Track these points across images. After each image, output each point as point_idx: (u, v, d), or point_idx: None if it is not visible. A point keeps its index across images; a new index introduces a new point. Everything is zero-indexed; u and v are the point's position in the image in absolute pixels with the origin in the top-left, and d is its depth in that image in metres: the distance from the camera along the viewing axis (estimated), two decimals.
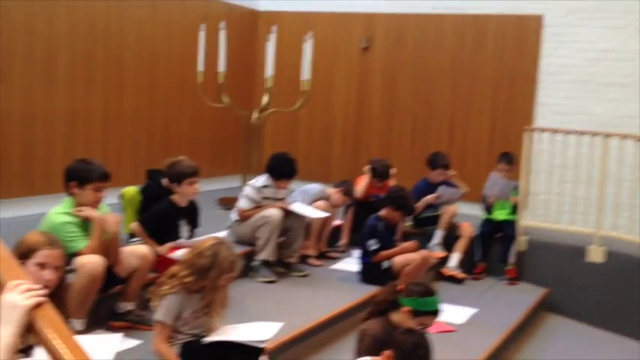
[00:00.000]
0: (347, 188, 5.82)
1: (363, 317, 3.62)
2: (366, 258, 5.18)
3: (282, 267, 5.14)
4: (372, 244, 5.10)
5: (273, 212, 4.93)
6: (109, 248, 3.56)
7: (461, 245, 6.12)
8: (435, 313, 3.44)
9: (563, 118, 7.09)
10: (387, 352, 2.96)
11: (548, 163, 6.57)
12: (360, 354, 3.38)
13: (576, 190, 6.47)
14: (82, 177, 3.57)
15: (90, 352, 2.71)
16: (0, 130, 5.32)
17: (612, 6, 7.07)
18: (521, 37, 7.47)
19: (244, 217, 5.07)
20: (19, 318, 1.53)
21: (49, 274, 2.69)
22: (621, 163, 6.09)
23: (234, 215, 5.20)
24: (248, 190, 5.17)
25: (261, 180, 5.21)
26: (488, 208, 6.33)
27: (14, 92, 5.42)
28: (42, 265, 2.70)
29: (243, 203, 5.13)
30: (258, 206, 5.10)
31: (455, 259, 6.05)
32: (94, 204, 3.61)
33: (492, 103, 7.61)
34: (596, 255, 6.00)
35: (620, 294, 5.91)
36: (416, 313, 3.37)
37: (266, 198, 5.15)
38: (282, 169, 5.16)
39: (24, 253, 2.71)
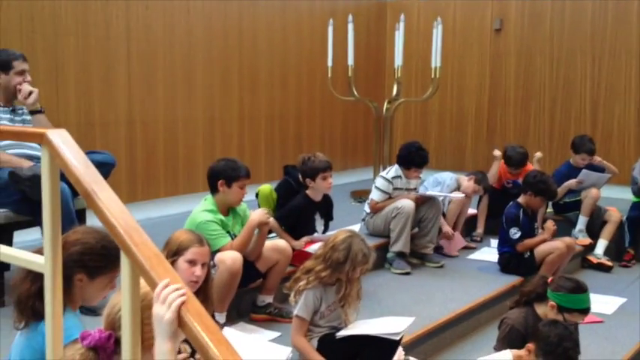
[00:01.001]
0: (480, 177, 5.68)
1: (509, 305, 3.57)
2: (505, 247, 5.03)
3: (417, 258, 5.13)
4: (515, 233, 4.94)
5: (406, 203, 4.92)
6: (256, 243, 3.73)
7: (608, 231, 5.78)
8: (583, 311, 3.31)
9: None
10: (530, 345, 2.90)
11: None
12: (499, 341, 3.34)
13: None
14: (229, 175, 3.73)
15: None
16: (147, 136, 5.71)
17: None
18: None
19: (377, 209, 5.10)
20: (170, 331, 1.56)
21: (199, 270, 2.87)
22: None
23: (367, 208, 5.24)
24: (379, 182, 5.20)
25: (392, 171, 5.21)
26: (638, 191, 5.93)
27: (158, 100, 5.79)
28: (192, 262, 2.88)
29: (374, 195, 5.16)
30: (390, 197, 5.11)
31: (601, 246, 5.73)
32: (239, 201, 3.79)
33: (638, 79, 7.10)
34: None
35: None
36: (562, 309, 3.28)
37: (397, 189, 5.15)
38: (412, 158, 5.13)
39: (174, 251, 2.91)
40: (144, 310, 1.68)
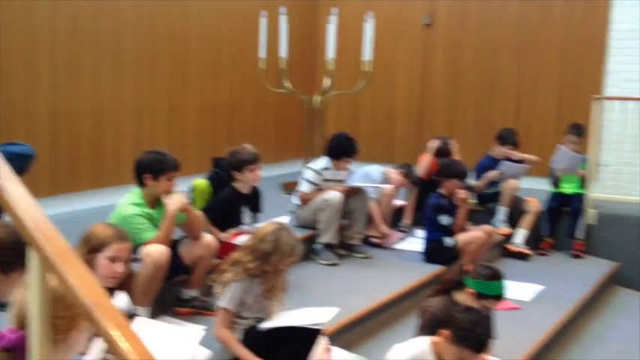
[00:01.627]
0: (407, 170, 5.82)
1: (428, 294, 3.68)
2: (432, 235, 5.17)
3: (345, 249, 5.21)
4: (444, 220, 5.09)
5: (334, 195, 5.00)
6: (189, 227, 3.76)
7: (527, 221, 6.03)
8: (499, 297, 3.46)
9: (635, 85, 6.82)
10: (445, 331, 3.00)
11: (618, 133, 6.38)
12: (420, 329, 3.45)
13: None
14: (156, 168, 3.66)
15: (169, 344, 2.85)
16: (71, 127, 5.60)
17: None
18: (590, 3, 7.21)
19: (305, 200, 5.16)
20: None
21: (120, 267, 2.85)
22: None
23: (295, 199, 5.29)
24: (308, 173, 5.25)
25: (321, 162, 5.28)
26: (556, 182, 6.21)
27: (83, 90, 5.68)
28: (113, 259, 2.85)
29: (303, 187, 5.22)
30: (319, 189, 5.17)
31: (521, 235, 5.97)
32: (167, 194, 3.73)
33: (560, 74, 7.39)
34: None
35: None
36: (480, 296, 3.40)
37: (327, 180, 5.21)
38: (343, 148, 5.20)
39: (95, 247, 2.87)
40: (58, 302, 1.68)
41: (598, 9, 7.15)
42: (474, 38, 7.78)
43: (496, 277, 3.42)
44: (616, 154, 6.49)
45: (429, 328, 3.34)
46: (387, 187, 5.55)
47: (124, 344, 1.49)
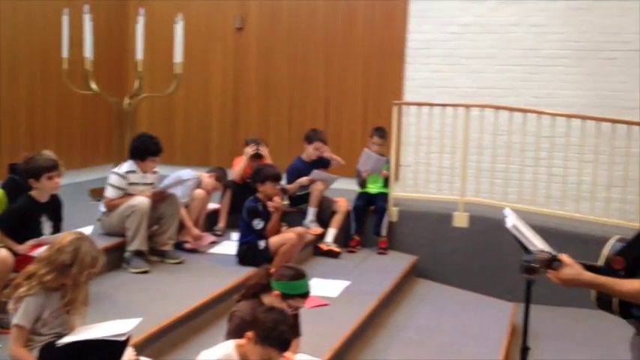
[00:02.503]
0: (220, 174, 5.85)
1: (236, 299, 3.70)
2: (247, 238, 5.22)
3: (157, 255, 5.11)
4: (258, 223, 5.17)
5: (141, 200, 4.86)
6: None
7: (337, 220, 6.30)
8: (304, 295, 3.57)
9: (430, 91, 7.41)
10: (249, 333, 3.06)
11: (416, 135, 6.87)
12: (229, 335, 3.47)
13: (442, 160, 6.79)
14: None
15: None
16: None
17: None
18: (390, 13, 7.69)
19: (111, 206, 4.98)
20: None
21: None
22: (482, 131, 6.47)
23: (102, 207, 5.10)
24: (112, 178, 5.06)
25: (125, 165, 5.11)
26: (362, 183, 6.55)
27: None
28: None
29: (108, 192, 5.03)
30: (126, 194, 5.02)
31: (331, 234, 6.23)
32: None
33: (364, 80, 7.82)
34: (461, 220, 6.38)
35: (485, 256, 6.33)
36: (285, 296, 3.48)
37: (133, 184, 5.06)
38: (147, 147, 5.08)
39: None
40: None
41: (397, 20, 7.65)
42: (284, 43, 7.99)
43: (299, 276, 3.54)
44: (414, 155, 6.99)
45: (236, 332, 3.36)
46: (199, 190, 5.50)
47: None
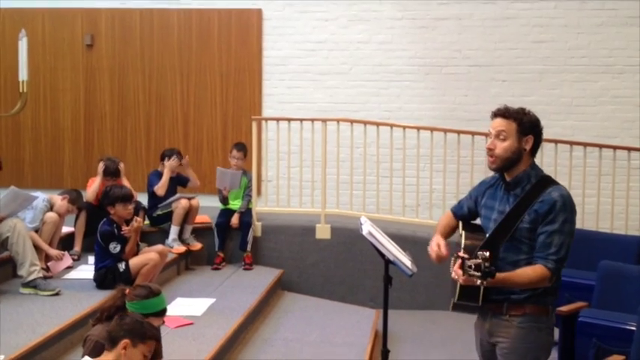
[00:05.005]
0: (73, 196, 5.61)
1: (92, 323, 3.56)
2: (104, 262, 5.04)
3: (30, 287, 4.81)
4: (115, 247, 5.00)
5: None
6: None
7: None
8: (160, 313, 3.50)
9: (288, 106, 7.55)
10: (124, 342, 2.95)
11: (276, 150, 6.97)
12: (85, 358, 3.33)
13: (303, 173, 6.93)
14: None
15: None
16: None
17: None
18: (245, 30, 7.74)
19: None
20: None
21: None
22: (339, 145, 6.68)
23: None
24: None
25: None
26: (224, 200, 6.52)
27: None
28: None
29: None
30: None
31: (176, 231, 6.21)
32: None
33: (222, 96, 7.81)
34: (323, 232, 6.54)
35: (347, 266, 6.52)
36: (143, 316, 3.39)
37: None
38: None
39: None
40: None
41: (252, 36, 7.71)
42: (138, 59, 7.80)
43: (153, 294, 3.46)
44: (275, 170, 7.08)
45: (94, 356, 3.25)
46: (51, 214, 5.24)
47: None
